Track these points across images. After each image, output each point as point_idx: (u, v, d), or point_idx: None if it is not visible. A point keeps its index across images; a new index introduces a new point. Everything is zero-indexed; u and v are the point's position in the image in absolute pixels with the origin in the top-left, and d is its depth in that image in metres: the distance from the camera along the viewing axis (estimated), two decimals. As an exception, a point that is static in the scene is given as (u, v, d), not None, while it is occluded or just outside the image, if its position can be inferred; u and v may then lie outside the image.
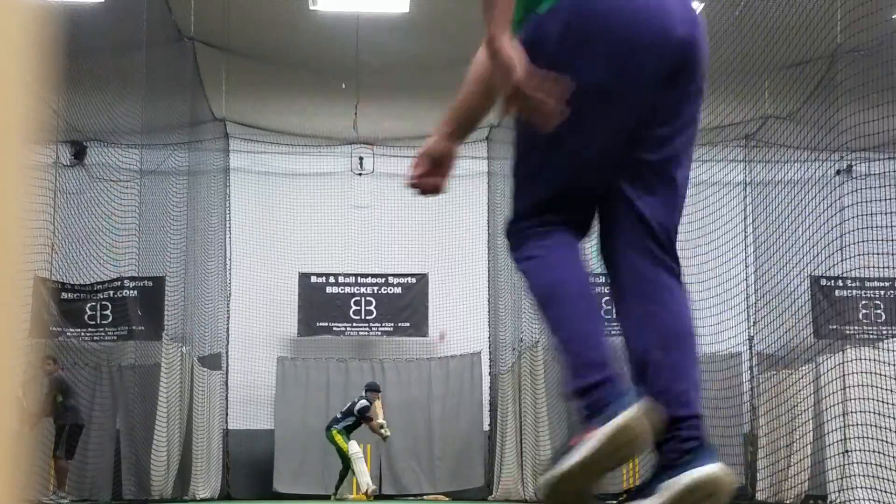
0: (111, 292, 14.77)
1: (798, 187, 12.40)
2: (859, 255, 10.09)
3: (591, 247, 3.03)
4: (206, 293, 17.00)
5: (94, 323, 14.83)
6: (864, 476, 10.01)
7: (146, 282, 14.99)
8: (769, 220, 13.60)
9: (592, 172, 2.68)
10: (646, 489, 2.56)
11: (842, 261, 10.38)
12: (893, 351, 11.22)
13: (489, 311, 17.84)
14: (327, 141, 18.33)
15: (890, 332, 15.58)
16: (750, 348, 15.94)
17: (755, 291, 15.20)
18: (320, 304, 17.84)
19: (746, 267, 15.40)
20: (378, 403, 15.98)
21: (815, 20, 10.96)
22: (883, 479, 9.46)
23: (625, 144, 2.67)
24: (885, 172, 11.91)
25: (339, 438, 15.67)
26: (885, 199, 9.74)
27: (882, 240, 9.84)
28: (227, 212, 18.13)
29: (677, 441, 2.53)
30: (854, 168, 14.97)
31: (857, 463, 10.40)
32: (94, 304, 14.75)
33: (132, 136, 14.77)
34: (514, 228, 2.79)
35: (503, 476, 16.46)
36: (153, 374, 14.57)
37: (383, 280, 18.00)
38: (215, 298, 17.45)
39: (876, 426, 9.72)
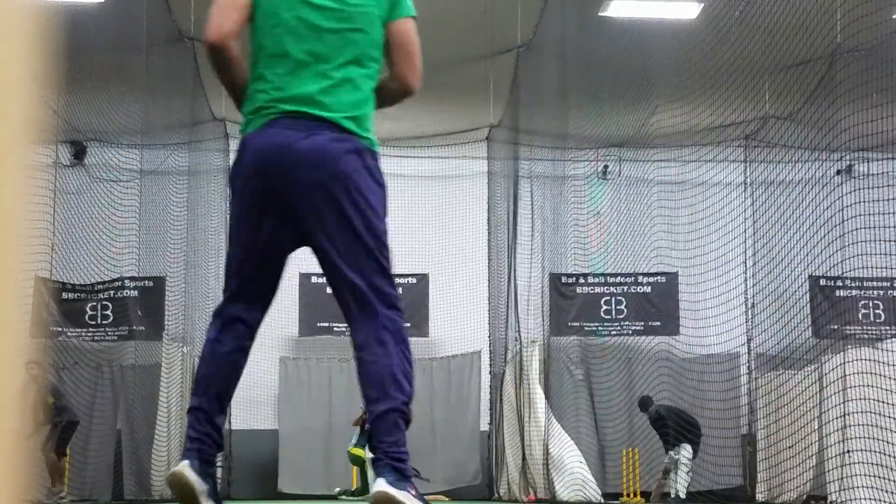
0: (111, 292, 14.77)
1: (798, 187, 12.40)
2: (859, 255, 10.09)
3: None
4: (207, 293, 16.99)
5: (94, 323, 14.83)
6: (864, 476, 10.01)
7: (146, 282, 14.99)
8: (769, 220, 13.60)
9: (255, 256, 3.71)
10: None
11: (842, 261, 10.37)
12: (893, 351, 11.23)
13: (489, 311, 17.84)
14: (327, 141, 18.31)
15: (890, 332, 15.58)
16: (749, 349, 15.94)
17: (755, 292, 15.20)
18: (321, 304, 17.82)
19: (746, 267, 15.40)
20: None
21: (815, 20, 10.96)
22: (883, 478, 9.45)
23: (284, 237, 3.72)
24: (885, 172, 11.91)
25: (358, 451, 15.63)
26: (886, 199, 9.74)
27: (882, 240, 9.84)
28: (227, 212, 18.10)
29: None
30: (854, 168, 14.97)
31: (858, 463, 10.40)
32: (94, 304, 14.75)
33: (132, 136, 14.77)
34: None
35: (503, 476, 16.46)
36: (154, 374, 14.57)
37: (383, 280, 18.00)
38: (216, 298, 17.44)
39: (876, 426, 9.72)
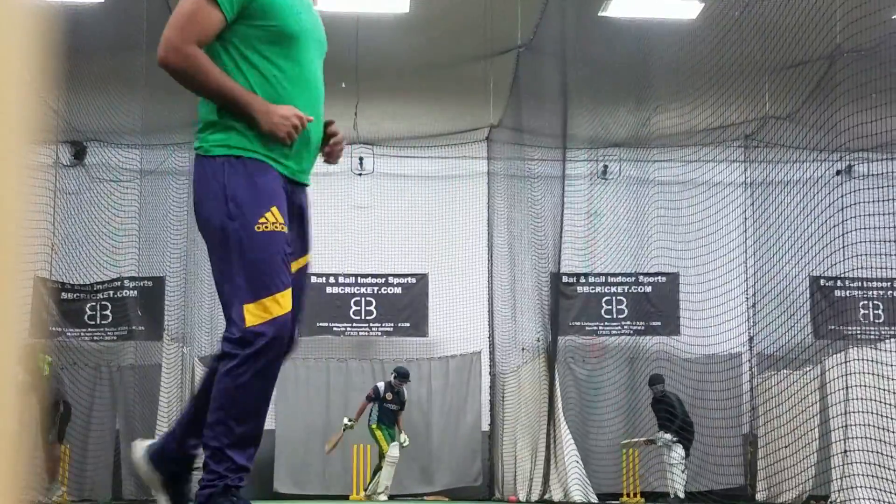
0: (111, 292, 14.77)
1: (798, 187, 12.40)
2: (859, 255, 10.08)
3: None
4: (206, 293, 16.98)
5: (94, 323, 14.83)
6: (864, 476, 10.01)
7: (146, 282, 14.98)
8: (769, 220, 13.60)
9: None
10: None
11: (842, 261, 10.37)
12: (893, 351, 11.22)
13: (489, 311, 17.84)
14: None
15: (890, 332, 15.58)
16: (750, 348, 15.94)
17: (755, 292, 15.20)
18: (320, 305, 17.82)
19: (746, 267, 15.40)
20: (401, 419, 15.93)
21: (814, 20, 10.96)
22: (883, 479, 9.46)
23: None
24: (885, 173, 11.90)
25: (378, 434, 15.61)
26: (885, 200, 9.74)
27: (882, 240, 9.84)
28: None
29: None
30: (854, 168, 14.97)
31: (858, 463, 10.40)
32: (94, 304, 14.75)
33: (132, 136, 14.77)
34: None
35: (504, 476, 16.46)
36: (153, 374, 14.57)
37: (383, 280, 18.00)
38: (215, 299, 17.44)
39: (876, 426, 9.72)
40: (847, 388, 11.13)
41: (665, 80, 14.72)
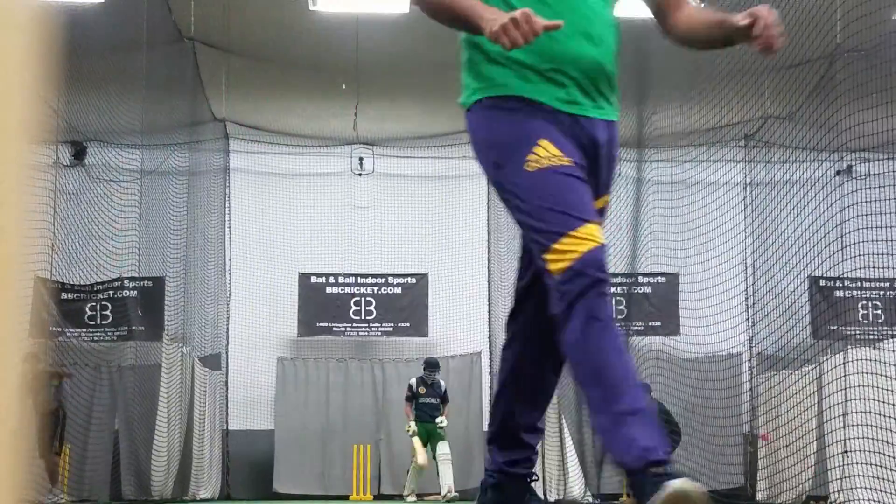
0: (111, 292, 14.77)
1: (798, 187, 12.40)
2: (859, 255, 10.08)
3: None
4: (206, 293, 16.99)
5: (94, 323, 14.82)
6: (864, 476, 10.01)
7: (146, 282, 14.98)
8: (769, 221, 13.60)
9: None
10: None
11: (842, 261, 10.37)
12: (893, 351, 11.22)
13: (489, 311, 17.84)
14: (327, 141, 18.33)
15: (890, 332, 15.58)
16: (750, 348, 15.94)
17: (755, 291, 15.20)
18: (320, 305, 17.83)
19: (746, 267, 15.39)
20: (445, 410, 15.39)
21: (814, 20, 10.96)
22: (883, 479, 9.46)
23: None
24: (885, 172, 11.90)
25: (414, 438, 15.17)
26: (886, 200, 9.74)
27: (882, 240, 9.84)
28: (227, 212, 18.13)
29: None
30: (854, 168, 14.97)
31: (858, 463, 10.40)
32: (94, 304, 14.74)
33: (132, 136, 14.77)
34: None
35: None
36: (153, 374, 14.56)
37: (383, 280, 17.99)
38: (215, 298, 17.45)
39: (876, 426, 9.72)
40: (846, 388, 11.13)
41: (665, 80, 14.71)
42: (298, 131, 18.29)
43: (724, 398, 14.91)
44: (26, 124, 1.11)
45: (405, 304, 18.00)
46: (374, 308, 17.98)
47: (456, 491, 15.02)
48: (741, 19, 3.08)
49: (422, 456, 14.99)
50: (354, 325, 17.99)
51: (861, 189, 10.10)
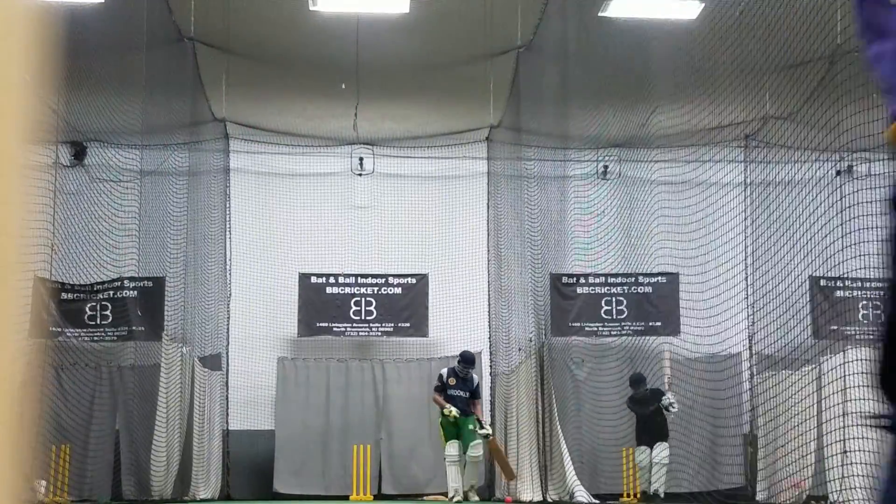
0: (111, 292, 14.77)
1: (798, 187, 12.40)
2: (859, 255, 10.09)
3: None
4: (206, 293, 16.99)
5: (93, 323, 14.82)
6: (864, 476, 10.01)
7: (146, 282, 14.98)
8: (769, 221, 13.60)
9: None
10: None
11: (842, 261, 10.37)
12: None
13: (489, 311, 17.84)
14: (327, 141, 18.33)
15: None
16: (750, 348, 15.94)
17: (755, 291, 15.20)
18: (320, 305, 17.83)
19: (746, 267, 15.39)
20: (478, 406, 14.69)
21: (814, 20, 10.96)
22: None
23: None
24: (885, 173, 11.89)
25: (440, 430, 14.58)
26: (886, 200, 9.72)
27: (882, 240, 9.82)
28: (227, 212, 18.13)
29: None
30: (854, 168, 14.97)
31: (858, 463, 10.40)
32: (94, 304, 14.74)
33: (132, 136, 14.78)
34: None
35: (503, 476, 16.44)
36: (153, 374, 14.57)
37: (383, 280, 17.99)
38: (215, 298, 17.45)
39: (875, 426, 9.70)
40: (846, 388, 11.13)
41: (665, 80, 14.71)
42: (298, 131, 18.29)
43: (725, 398, 14.92)
44: (26, 124, 1.11)
45: (405, 304, 17.99)
46: (375, 308, 17.97)
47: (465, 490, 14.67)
48: None
49: (452, 446, 14.28)
50: (355, 325, 17.99)
51: (861, 189, 10.10)
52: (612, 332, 16.82)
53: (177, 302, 15.32)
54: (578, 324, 16.70)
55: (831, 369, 11.82)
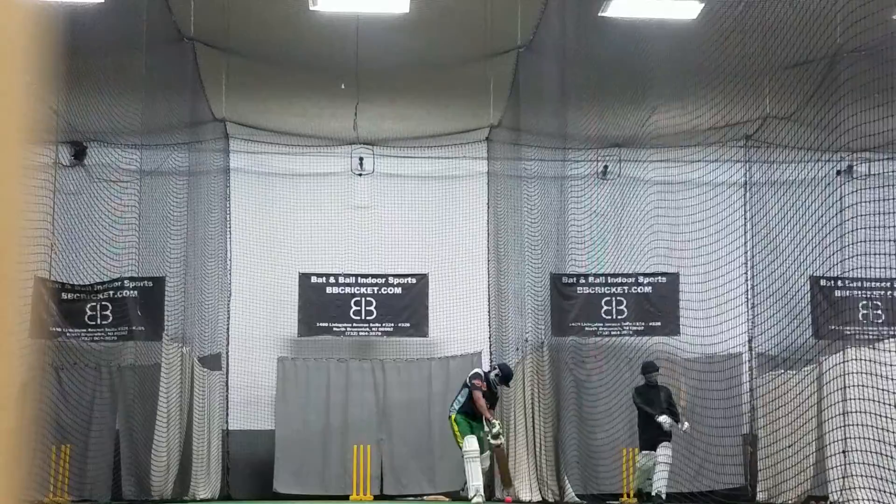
0: (111, 292, 14.76)
1: (798, 187, 12.40)
2: (859, 255, 10.08)
3: None
4: (206, 293, 16.99)
5: (94, 323, 14.82)
6: (864, 476, 10.01)
7: (146, 282, 14.97)
8: (769, 221, 13.60)
9: None
10: None
11: (842, 261, 10.37)
12: (893, 351, 11.22)
13: (489, 311, 17.84)
14: (327, 141, 18.33)
15: (890, 332, 15.57)
16: (750, 349, 15.94)
17: (755, 292, 15.20)
18: (320, 305, 17.82)
19: (746, 267, 15.39)
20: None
21: (815, 20, 10.96)
22: (883, 479, 9.46)
23: None
24: (885, 172, 11.90)
25: (455, 427, 14.23)
26: (886, 199, 9.74)
27: (882, 240, 9.83)
28: (227, 212, 18.13)
29: None
30: (855, 168, 14.97)
31: (858, 463, 10.40)
32: (94, 304, 14.74)
33: (132, 136, 14.77)
34: None
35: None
36: (153, 374, 14.56)
37: (383, 280, 17.99)
38: (215, 298, 17.45)
39: (876, 426, 9.72)
40: (845, 388, 11.13)
41: (665, 80, 14.71)
42: (298, 131, 18.29)
43: (725, 398, 14.91)
44: (26, 124, 1.11)
45: (405, 304, 17.99)
46: (375, 308, 17.97)
47: (456, 491, 14.75)
48: None
49: (470, 441, 13.98)
50: (355, 325, 17.99)
51: (861, 189, 10.10)
52: (613, 333, 16.81)
53: (177, 302, 15.32)
54: (578, 324, 16.70)
55: (831, 369, 11.82)
